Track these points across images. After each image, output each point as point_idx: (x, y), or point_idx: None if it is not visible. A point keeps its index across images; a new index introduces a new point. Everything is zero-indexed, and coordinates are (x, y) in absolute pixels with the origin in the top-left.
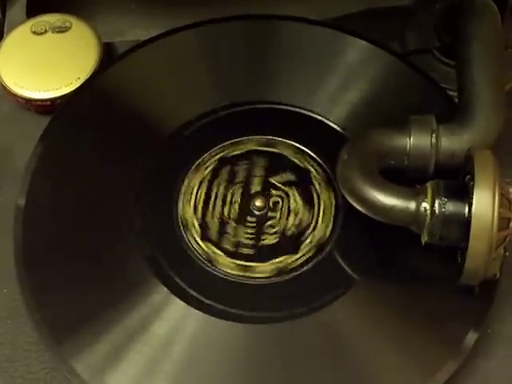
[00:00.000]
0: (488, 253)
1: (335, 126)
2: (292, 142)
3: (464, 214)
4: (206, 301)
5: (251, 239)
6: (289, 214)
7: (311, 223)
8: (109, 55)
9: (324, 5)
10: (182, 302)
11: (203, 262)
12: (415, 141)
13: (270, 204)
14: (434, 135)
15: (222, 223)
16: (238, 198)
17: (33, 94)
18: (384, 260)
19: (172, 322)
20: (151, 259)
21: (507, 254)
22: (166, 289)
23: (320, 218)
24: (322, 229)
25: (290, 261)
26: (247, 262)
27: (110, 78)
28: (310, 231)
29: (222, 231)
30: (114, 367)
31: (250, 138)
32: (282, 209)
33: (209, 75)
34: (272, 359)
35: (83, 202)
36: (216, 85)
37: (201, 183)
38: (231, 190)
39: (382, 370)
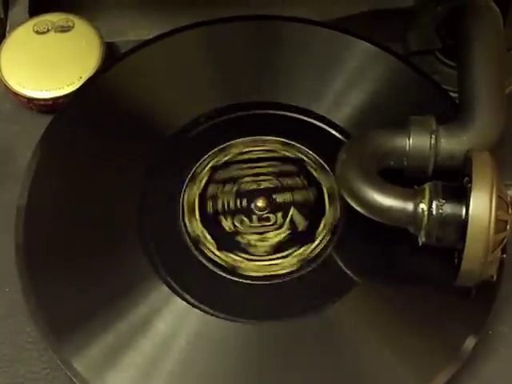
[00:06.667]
0: (484, 255)
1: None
2: (305, 148)
3: (461, 216)
4: (206, 300)
5: (254, 239)
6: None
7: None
8: (111, 55)
9: (326, 6)
10: (182, 301)
11: (204, 261)
12: (414, 141)
13: (273, 206)
14: (433, 136)
15: (223, 220)
16: (241, 197)
17: (35, 93)
18: (385, 263)
19: (172, 321)
20: (152, 258)
21: (505, 256)
22: (166, 287)
23: (322, 226)
24: (323, 236)
25: (293, 261)
26: (246, 261)
27: (111, 77)
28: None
29: (221, 227)
30: (115, 365)
31: (261, 139)
32: (284, 215)
33: (211, 76)
34: (272, 360)
35: (84, 201)
36: (218, 85)
37: (206, 181)
38: (235, 189)
39: (382, 373)
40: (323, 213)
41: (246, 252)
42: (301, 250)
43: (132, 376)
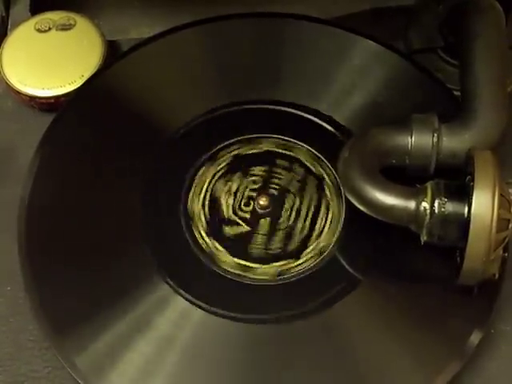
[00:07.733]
0: (486, 253)
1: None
2: (307, 146)
3: (463, 215)
4: (208, 299)
5: (256, 240)
6: (296, 219)
7: (317, 231)
8: (113, 53)
9: (328, 3)
10: (184, 300)
11: (206, 259)
12: (416, 140)
13: (278, 206)
14: (435, 134)
15: (229, 220)
16: (247, 196)
17: (36, 91)
18: (387, 262)
19: (174, 319)
20: (153, 256)
21: (506, 254)
22: (167, 286)
23: (326, 227)
24: (327, 238)
25: (291, 265)
26: (249, 262)
27: (113, 75)
28: (314, 238)
29: (227, 228)
30: (117, 364)
31: (263, 137)
32: (290, 213)
33: (213, 73)
34: (274, 360)
35: (86, 199)
36: (220, 84)
37: (211, 179)
38: (241, 189)
39: (386, 371)
40: (326, 212)
41: (249, 254)
42: (305, 250)
43: (134, 374)
